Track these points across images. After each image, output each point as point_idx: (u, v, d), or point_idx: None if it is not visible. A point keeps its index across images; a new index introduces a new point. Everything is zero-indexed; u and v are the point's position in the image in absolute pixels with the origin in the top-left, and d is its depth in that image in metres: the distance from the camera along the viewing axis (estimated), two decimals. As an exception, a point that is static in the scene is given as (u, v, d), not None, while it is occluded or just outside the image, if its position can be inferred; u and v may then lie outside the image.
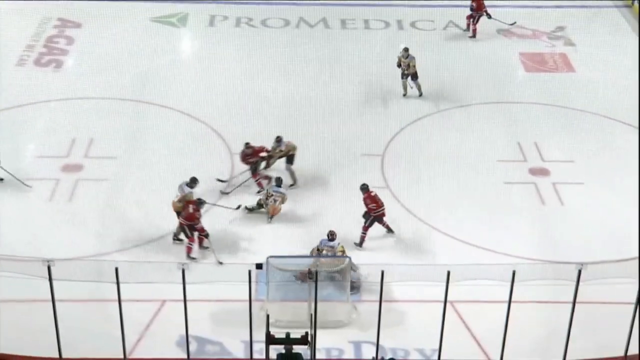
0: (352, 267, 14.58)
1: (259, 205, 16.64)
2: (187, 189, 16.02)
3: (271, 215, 16.53)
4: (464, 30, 24.22)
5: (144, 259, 15.04)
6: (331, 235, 14.90)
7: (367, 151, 18.63)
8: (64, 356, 12.94)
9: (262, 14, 25.28)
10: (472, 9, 24.10)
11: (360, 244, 15.89)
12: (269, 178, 17.26)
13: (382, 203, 16.01)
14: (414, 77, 20.76)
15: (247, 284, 12.39)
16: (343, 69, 22.37)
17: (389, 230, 16.14)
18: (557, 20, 24.67)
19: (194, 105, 20.37)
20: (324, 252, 14.79)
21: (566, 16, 24.63)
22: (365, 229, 15.95)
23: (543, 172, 18.37)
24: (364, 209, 16.07)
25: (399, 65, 20.83)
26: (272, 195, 16.56)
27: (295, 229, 16.00)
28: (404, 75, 20.86)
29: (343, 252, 14.80)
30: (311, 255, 14.79)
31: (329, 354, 13.67)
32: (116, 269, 12.23)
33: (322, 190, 17.55)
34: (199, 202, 15.56)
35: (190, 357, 13.15)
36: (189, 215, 15.43)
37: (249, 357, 13.11)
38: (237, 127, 19.46)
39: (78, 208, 16.88)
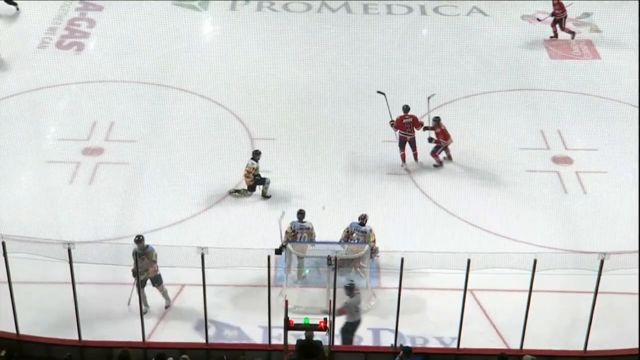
0: (372, 253, 14.57)
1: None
2: None
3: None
4: (551, 37, 23.07)
5: (163, 243, 15.11)
6: (362, 219, 14.74)
7: (388, 137, 18.58)
8: (83, 339, 13.05)
9: (284, -2, 25.31)
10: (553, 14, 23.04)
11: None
12: None
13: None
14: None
15: (266, 269, 12.43)
16: (365, 54, 22.32)
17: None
18: (583, 7, 24.43)
19: (214, 89, 20.41)
20: (354, 235, 14.73)
21: (592, 2, 24.39)
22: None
23: (566, 160, 18.25)
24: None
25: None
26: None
27: (316, 213, 15.99)
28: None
29: (375, 240, 14.69)
30: (330, 242, 14.79)
31: (347, 341, 13.69)
32: (135, 253, 12.30)
33: (344, 176, 17.55)
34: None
35: (209, 341, 13.21)
36: None
37: (267, 342, 13.16)
38: (257, 111, 19.50)
39: (98, 191, 16.98)
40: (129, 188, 17.13)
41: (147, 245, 13.68)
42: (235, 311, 14.12)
